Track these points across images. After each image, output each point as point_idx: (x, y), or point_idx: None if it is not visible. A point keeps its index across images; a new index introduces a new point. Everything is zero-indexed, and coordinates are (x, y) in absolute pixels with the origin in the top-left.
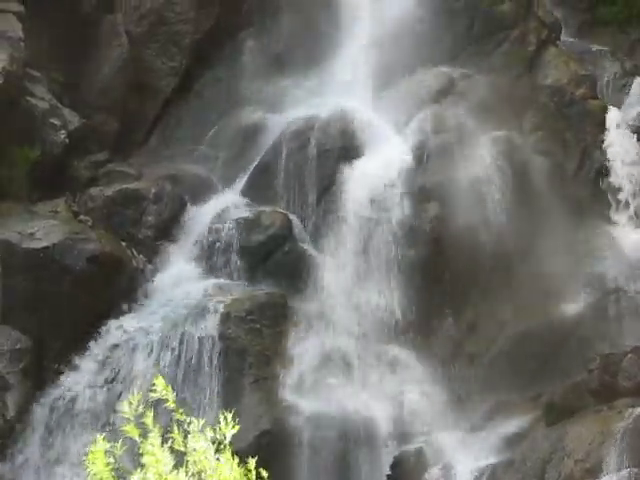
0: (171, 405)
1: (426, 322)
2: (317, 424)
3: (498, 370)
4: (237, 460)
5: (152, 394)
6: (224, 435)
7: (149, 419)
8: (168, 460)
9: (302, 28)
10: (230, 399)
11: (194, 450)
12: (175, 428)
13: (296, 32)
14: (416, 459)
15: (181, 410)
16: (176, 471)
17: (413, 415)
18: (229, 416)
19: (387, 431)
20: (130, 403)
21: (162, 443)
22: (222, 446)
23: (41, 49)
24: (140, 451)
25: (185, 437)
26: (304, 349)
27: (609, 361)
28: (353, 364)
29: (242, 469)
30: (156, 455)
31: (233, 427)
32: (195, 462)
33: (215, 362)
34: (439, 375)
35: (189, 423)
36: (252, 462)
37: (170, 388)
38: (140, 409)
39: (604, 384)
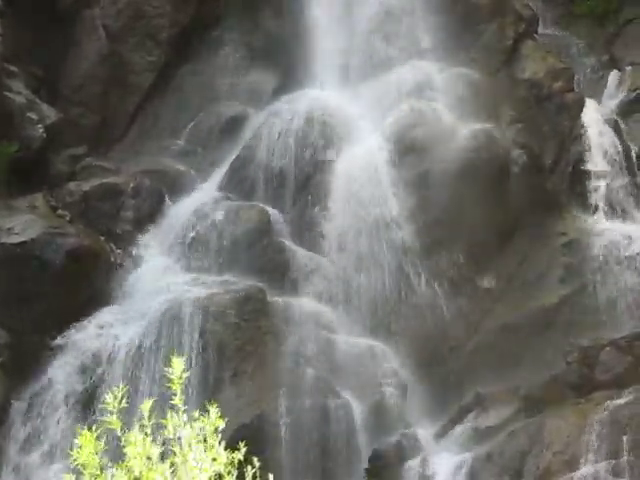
0: (175, 388)
1: (405, 314)
2: (296, 418)
3: (477, 362)
4: (223, 451)
5: (168, 373)
6: (215, 427)
7: (146, 409)
8: (153, 451)
9: (281, 21)
10: (209, 393)
11: (180, 439)
12: (169, 415)
13: (275, 25)
14: (394, 452)
15: (181, 398)
16: (160, 462)
17: (391, 407)
18: (213, 409)
19: (365, 423)
20: (114, 396)
21: (147, 435)
22: (207, 438)
23: (19, 43)
24: (123, 443)
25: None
26: (283, 342)
27: (587, 354)
28: (332, 356)
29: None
30: (139, 446)
31: (219, 419)
32: (180, 452)
33: (194, 356)
34: (418, 367)
35: (175, 412)
36: (242, 447)
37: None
38: (123, 403)
39: (582, 376)
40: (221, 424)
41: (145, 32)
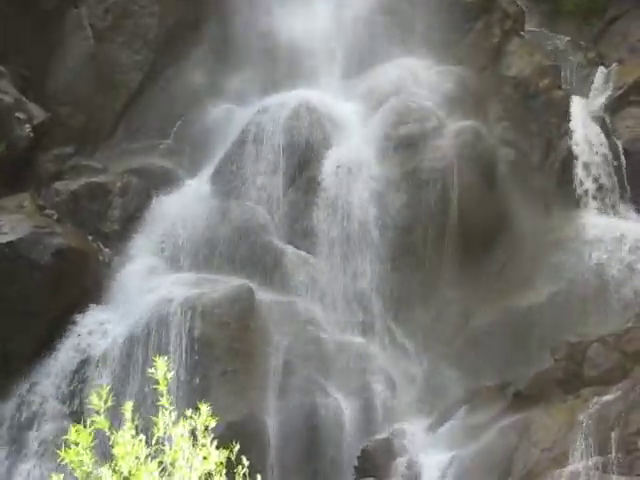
0: (162, 389)
1: (394, 312)
2: (285, 416)
3: (464, 360)
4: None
5: (151, 374)
6: (204, 425)
7: (128, 410)
8: (141, 451)
9: (269, 20)
10: (198, 392)
11: (169, 438)
12: (159, 415)
13: (261, 23)
14: (384, 450)
15: (168, 397)
16: (148, 461)
17: (380, 405)
18: (205, 407)
19: (354, 422)
20: (100, 395)
21: (136, 434)
22: (198, 437)
23: (5, 43)
24: (111, 443)
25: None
26: (272, 340)
27: (574, 350)
28: (320, 355)
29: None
30: (127, 446)
31: (210, 418)
32: (170, 451)
33: (183, 355)
34: (405, 365)
35: (166, 412)
36: (234, 449)
37: (168, 371)
38: (109, 402)
39: (570, 373)
40: (212, 423)
41: (133, 31)
